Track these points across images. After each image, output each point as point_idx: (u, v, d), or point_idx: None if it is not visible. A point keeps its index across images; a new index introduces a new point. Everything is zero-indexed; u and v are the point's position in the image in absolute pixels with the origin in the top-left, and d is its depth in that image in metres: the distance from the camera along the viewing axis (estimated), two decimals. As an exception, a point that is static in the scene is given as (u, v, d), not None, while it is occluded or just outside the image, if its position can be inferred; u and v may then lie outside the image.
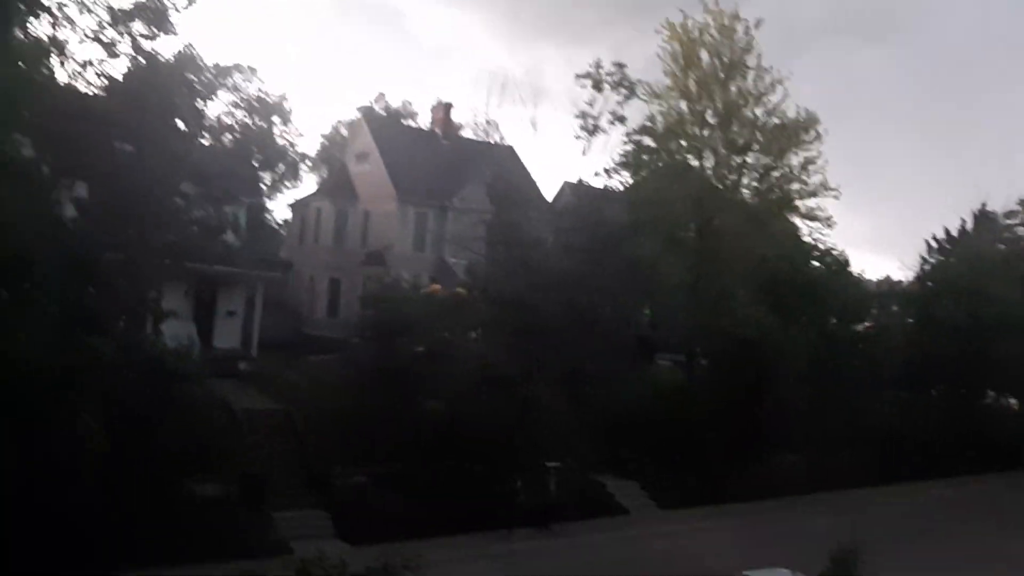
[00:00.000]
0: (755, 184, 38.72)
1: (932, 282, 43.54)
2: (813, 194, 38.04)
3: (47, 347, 17.79)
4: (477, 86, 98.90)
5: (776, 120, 37.50)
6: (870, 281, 44.73)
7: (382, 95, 58.85)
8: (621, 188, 37.30)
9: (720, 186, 38.12)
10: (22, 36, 20.61)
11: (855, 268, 40.08)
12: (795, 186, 38.37)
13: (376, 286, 33.44)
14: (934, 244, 47.33)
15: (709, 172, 38.15)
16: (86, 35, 21.01)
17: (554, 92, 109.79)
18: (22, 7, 19.98)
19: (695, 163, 38.38)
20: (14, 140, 20.39)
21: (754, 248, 35.01)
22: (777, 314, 31.80)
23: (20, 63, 19.94)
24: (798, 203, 38.55)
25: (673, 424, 30.17)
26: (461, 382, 26.34)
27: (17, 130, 20.43)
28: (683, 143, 38.15)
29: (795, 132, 37.55)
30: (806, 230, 38.84)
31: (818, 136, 37.58)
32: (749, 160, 38.27)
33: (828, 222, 38.50)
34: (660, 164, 38.05)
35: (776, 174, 38.46)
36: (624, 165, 37.30)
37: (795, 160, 37.94)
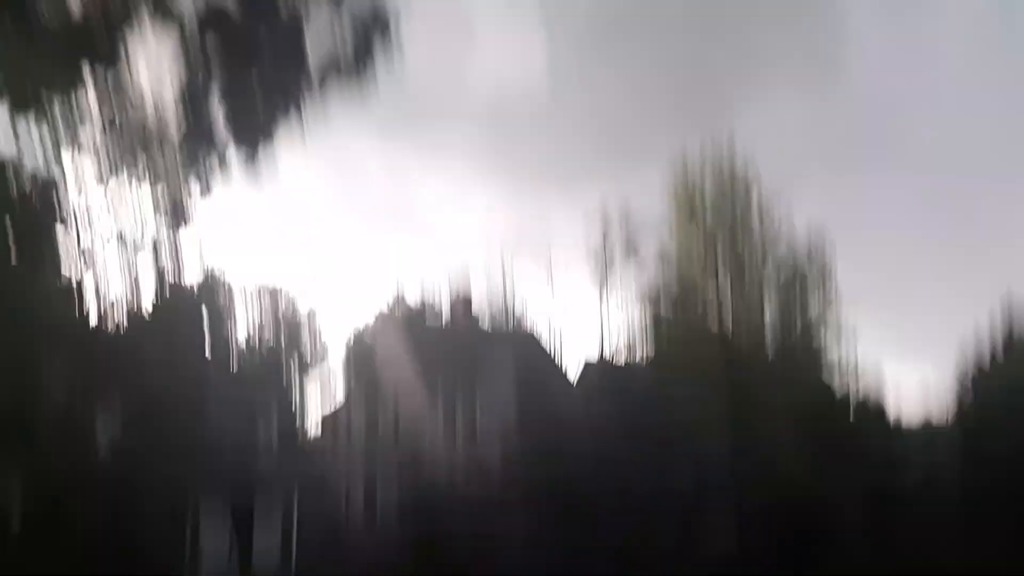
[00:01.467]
0: (779, 338, 38.70)
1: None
2: (836, 336, 37.80)
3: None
4: (489, 252, 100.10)
5: (787, 272, 37.80)
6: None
7: (401, 296, 60.39)
8: (644, 357, 37.48)
9: (743, 349, 38.08)
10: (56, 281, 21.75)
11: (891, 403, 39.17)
12: (819, 332, 38.23)
13: (412, 487, 33.26)
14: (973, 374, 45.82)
15: (729, 333, 38.30)
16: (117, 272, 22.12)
17: (567, 244, 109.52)
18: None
19: (715, 326, 38.61)
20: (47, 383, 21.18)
21: (790, 405, 34.64)
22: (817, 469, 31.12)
23: (52, 307, 21.02)
24: (824, 347, 38.29)
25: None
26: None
27: (53, 372, 21.24)
28: (700, 309, 38.53)
29: (806, 280, 37.76)
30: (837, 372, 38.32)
31: (829, 279, 37.74)
32: (767, 319, 38.47)
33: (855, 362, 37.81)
34: (679, 334, 38.21)
35: (798, 330, 38.51)
36: (643, 338, 37.65)
37: (814, 306, 37.98)
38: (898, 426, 39.83)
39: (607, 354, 38.69)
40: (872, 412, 37.94)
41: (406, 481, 37.13)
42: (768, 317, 38.25)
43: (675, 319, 38.36)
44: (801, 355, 38.17)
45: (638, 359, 37.29)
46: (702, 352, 36.04)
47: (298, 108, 6.16)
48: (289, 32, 6.06)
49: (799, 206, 37.43)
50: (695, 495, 36.43)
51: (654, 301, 37.78)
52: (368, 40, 6.12)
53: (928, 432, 43.68)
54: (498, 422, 34.82)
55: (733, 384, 36.64)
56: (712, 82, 64.53)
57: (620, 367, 37.36)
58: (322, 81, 6.15)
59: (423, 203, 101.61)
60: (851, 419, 37.06)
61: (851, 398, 37.06)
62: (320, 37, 6.16)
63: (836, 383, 37.66)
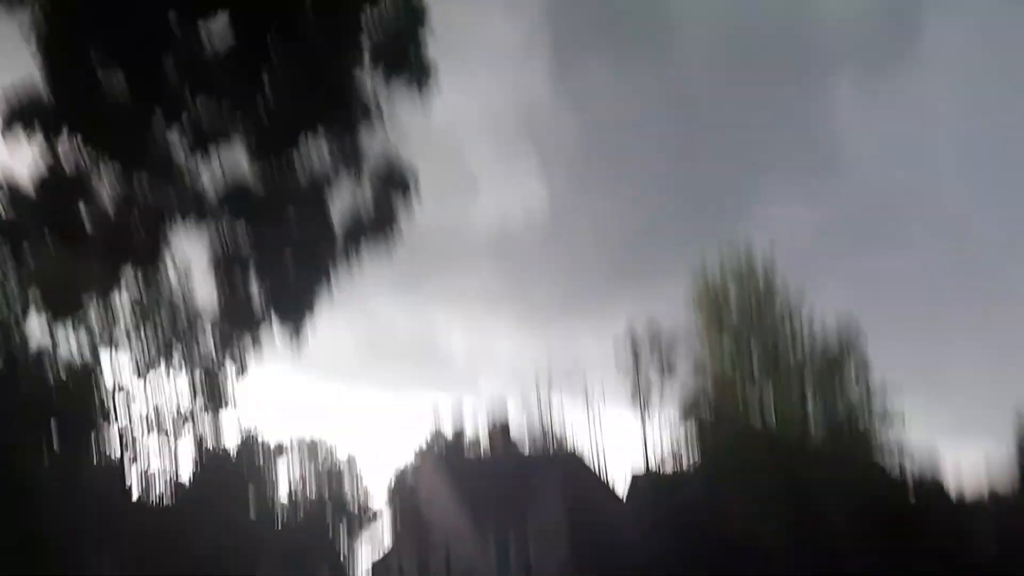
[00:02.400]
0: (824, 427, 38.07)
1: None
2: (883, 418, 37.12)
3: None
4: (521, 385, 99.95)
5: (821, 362, 37.54)
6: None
7: (438, 432, 60.09)
8: (690, 464, 36.93)
9: (790, 442, 37.41)
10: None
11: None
12: (864, 417, 37.61)
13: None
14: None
15: (774, 428, 37.73)
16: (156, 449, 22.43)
17: (598, 365, 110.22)
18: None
19: (758, 422, 38.08)
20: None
21: (844, 490, 33.74)
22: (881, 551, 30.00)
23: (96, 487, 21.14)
24: (872, 431, 37.56)
25: None
26: None
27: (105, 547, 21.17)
28: (739, 408, 38.11)
29: (841, 364, 37.40)
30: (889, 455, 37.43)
31: (866, 363, 37.39)
32: (809, 408, 37.92)
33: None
34: (720, 434, 37.72)
35: (840, 412, 37.93)
36: (688, 444, 37.21)
37: (854, 392, 37.50)
38: (961, 501, 38.52)
39: (653, 465, 38.10)
40: (932, 490, 36.79)
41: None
42: (810, 408, 37.74)
43: (717, 422, 37.90)
44: (849, 441, 37.40)
45: (685, 467, 36.68)
46: (748, 450, 35.43)
47: (328, 276, 6.33)
48: (314, 201, 6.29)
49: (824, 297, 37.53)
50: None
51: (694, 407, 37.47)
52: (390, 200, 6.34)
53: (995, 504, 42.30)
54: (551, 546, 34.02)
55: (784, 477, 35.86)
56: (715, 190, 65.78)
57: (668, 476, 36.71)
58: (348, 245, 6.36)
59: (449, 342, 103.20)
60: (911, 499, 35.91)
61: (908, 479, 36.02)
62: (343, 203, 6.40)
63: (889, 465, 36.70)
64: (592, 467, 44.71)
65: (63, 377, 17.95)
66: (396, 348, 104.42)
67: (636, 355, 37.20)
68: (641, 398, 36.88)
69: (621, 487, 44.15)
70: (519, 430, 47.62)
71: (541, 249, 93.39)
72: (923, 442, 38.91)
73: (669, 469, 36.85)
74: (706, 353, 37.56)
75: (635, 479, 44.24)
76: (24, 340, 17.07)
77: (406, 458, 67.46)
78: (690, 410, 36.95)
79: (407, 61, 6.11)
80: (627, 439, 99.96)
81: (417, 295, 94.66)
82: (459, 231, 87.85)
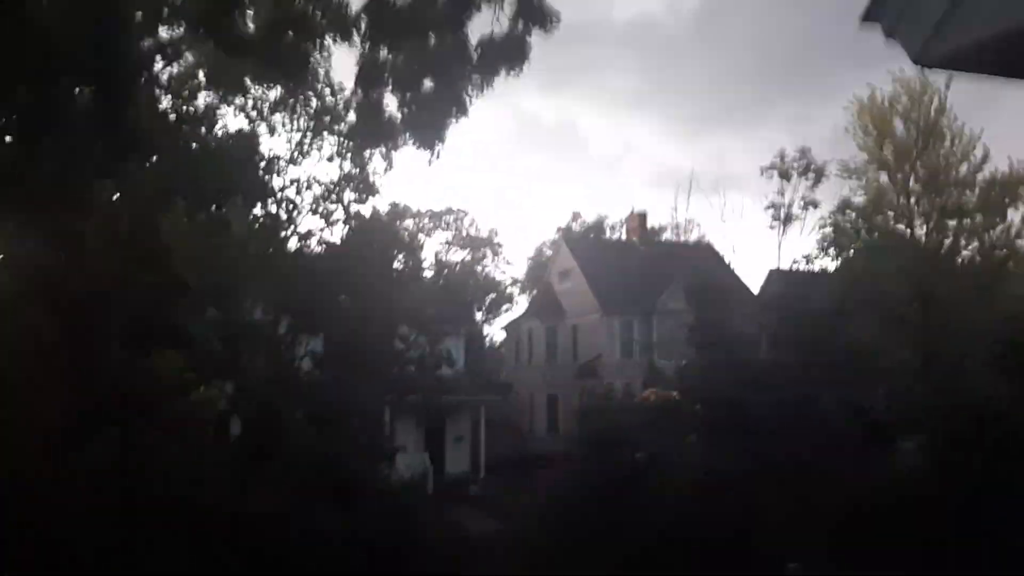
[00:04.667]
0: (975, 246, 36.82)
1: None
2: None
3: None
4: (661, 186, 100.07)
5: (986, 176, 35.77)
6: None
7: (577, 214, 61.17)
8: (828, 270, 36.63)
9: (937, 253, 36.46)
10: (259, 216, 23.89)
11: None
12: (1021, 242, 36.16)
13: (591, 398, 34.25)
14: None
15: (921, 240, 36.70)
16: (309, 209, 24.07)
17: (738, 177, 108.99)
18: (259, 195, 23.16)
19: (905, 233, 37.09)
20: (251, 305, 23.47)
21: (984, 314, 32.95)
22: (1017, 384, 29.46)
23: (258, 240, 23.14)
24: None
25: (910, 516, 28.30)
26: (683, 487, 26.26)
27: (257, 297, 23.49)
28: (889, 214, 37.10)
29: (1010, 186, 35.64)
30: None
31: None
32: (965, 222, 36.54)
33: None
34: (866, 239, 37.09)
35: (997, 232, 36.43)
36: (827, 246, 36.71)
37: (1016, 216, 35.92)
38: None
39: (789, 265, 37.94)
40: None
41: (585, 389, 38.21)
42: (964, 226, 36.28)
43: (862, 227, 37.10)
44: (1000, 266, 36.02)
45: (822, 268, 36.41)
46: (890, 259, 34.73)
47: (462, 95, 6.60)
48: (454, 26, 6.46)
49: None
50: (881, 412, 35.54)
51: (839, 210, 36.61)
52: (526, 31, 6.42)
53: None
54: (675, 332, 35.05)
55: (925, 292, 35.25)
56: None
57: (803, 274, 36.56)
58: (483, 67, 6.55)
59: (591, 139, 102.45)
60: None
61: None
62: (483, 20, 6.55)
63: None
64: (725, 261, 44.94)
65: (227, 143, 19.31)
66: (540, 141, 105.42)
67: (784, 170, 36.02)
68: (785, 208, 36.08)
69: (754, 286, 44.54)
70: (657, 222, 47.95)
71: (690, 52, 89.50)
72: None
73: (805, 269, 36.64)
74: (863, 162, 36.31)
75: (770, 273, 44.38)
76: (195, 113, 18.33)
77: (546, 236, 69.28)
78: (834, 216, 36.22)
79: None
80: (764, 246, 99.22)
81: (561, 98, 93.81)
82: (604, 29, 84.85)
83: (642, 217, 47.46)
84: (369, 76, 6.65)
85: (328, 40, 6.73)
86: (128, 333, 13.81)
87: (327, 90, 21.59)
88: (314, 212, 23.86)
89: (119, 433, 14.76)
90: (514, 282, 61.52)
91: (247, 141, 20.08)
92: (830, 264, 36.78)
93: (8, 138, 12.60)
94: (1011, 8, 3.10)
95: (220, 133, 19.89)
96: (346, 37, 6.62)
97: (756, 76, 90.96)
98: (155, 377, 16.68)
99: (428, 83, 6.69)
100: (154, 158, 15.79)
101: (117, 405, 14.26)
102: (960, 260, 36.48)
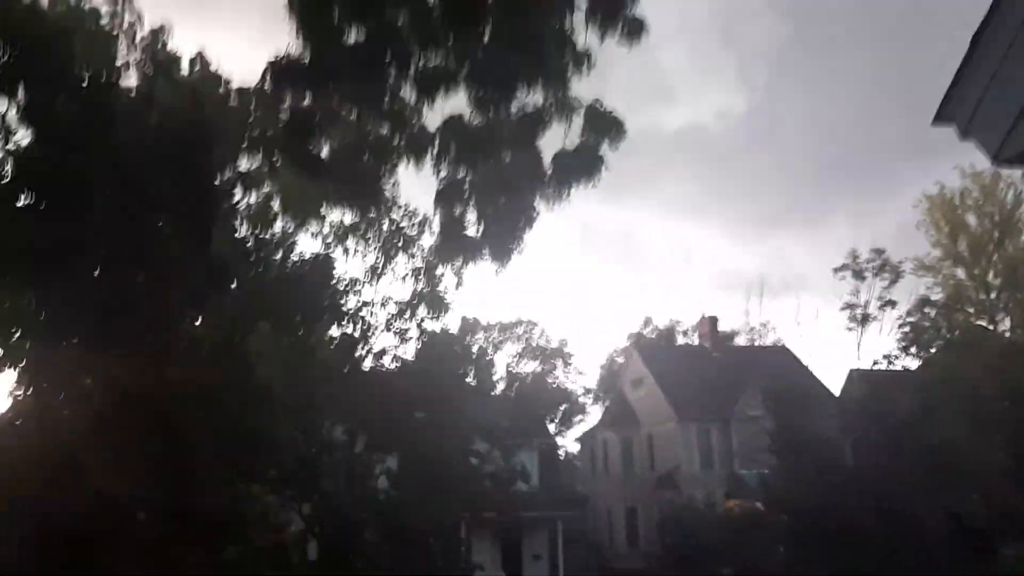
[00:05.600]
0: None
1: None
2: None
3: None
4: (730, 288, 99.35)
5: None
6: None
7: (648, 319, 60.89)
8: (911, 368, 35.64)
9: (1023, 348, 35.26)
10: (335, 335, 24.43)
11: None
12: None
13: (671, 510, 33.37)
14: None
15: (1006, 335, 35.61)
16: (384, 327, 24.56)
17: (806, 277, 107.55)
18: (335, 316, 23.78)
19: (988, 328, 36.10)
20: (329, 425, 23.75)
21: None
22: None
23: (335, 360, 23.59)
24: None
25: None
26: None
27: (334, 416, 23.78)
28: (969, 310, 36.28)
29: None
30: None
31: None
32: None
33: None
34: (948, 336, 36.13)
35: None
36: (908, 345, 35.81)
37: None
38: None
39: (870, 364, 37.04)
40: None
41: (663, 503, 37.25)
42: None
43: (943, 324, 36.22)
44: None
45: (904, 368, 35.44)
46: (974, 356, 33.67)
47: (534, 208, 6.85)
48: (526, 142, 6.74)
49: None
50: (977, 517, 33.80)
51: (918, 308, 35.88)
52: (597, 144, 6.68)
53: None
54: (755, 438, 34.20)
55: (1011, 388, 33.93)
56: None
57: (885, 373, 35.55)
58: (557, 181, 6.79)
59: (654, 246, 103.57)
60: None
61: None
62: (554, 141, 6.85)
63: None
64: (803, 363, 44.03)
65: (304, 268, 20.07)
66: (604, 249, 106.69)
67: (858, 271, 35.70)
68: (861, 309, 35.55)
69: (834, 387, 43.39)
70: (729, 325, 47.56)
71: (742, 155, 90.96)
72: None
73: (887, 369, 35.66)
74: (937, 258, 35.87)
75: (851, 373, 43.21)
76: (273, 239, 19.16)
77: (617, 344, 69.12)
78: (915, 313, 35.50)
79: (622, 15, 6.34)
80: (841, 346, 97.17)
81: (622, 203, 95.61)
82: (656, 139, 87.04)
83: (713, 321, 47.06)
84: (449, 195, 6.94)
85: (404, 162, 7.07)
86: (215, 446, 14.17)
87: (399, 212, 22.40)
88: (388, 329, 24.30)
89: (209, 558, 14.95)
90: (586, 392, 61.13)
91: (323, 266, 20.85)
92: (912, 363, 35.69)
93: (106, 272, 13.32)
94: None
95: (297, 258, 20.72)
96: (421, 158, 6.94)
97: (811, 175, 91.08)
98: (244, 506, 17.05)
99: (503, 198, 6.94)
100: (234, 284, 16.44)
101: (210, 532, 14.55)
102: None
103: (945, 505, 30.87)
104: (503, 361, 54.00)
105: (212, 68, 16.07)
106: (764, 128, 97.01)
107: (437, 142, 6.75)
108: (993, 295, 35.91)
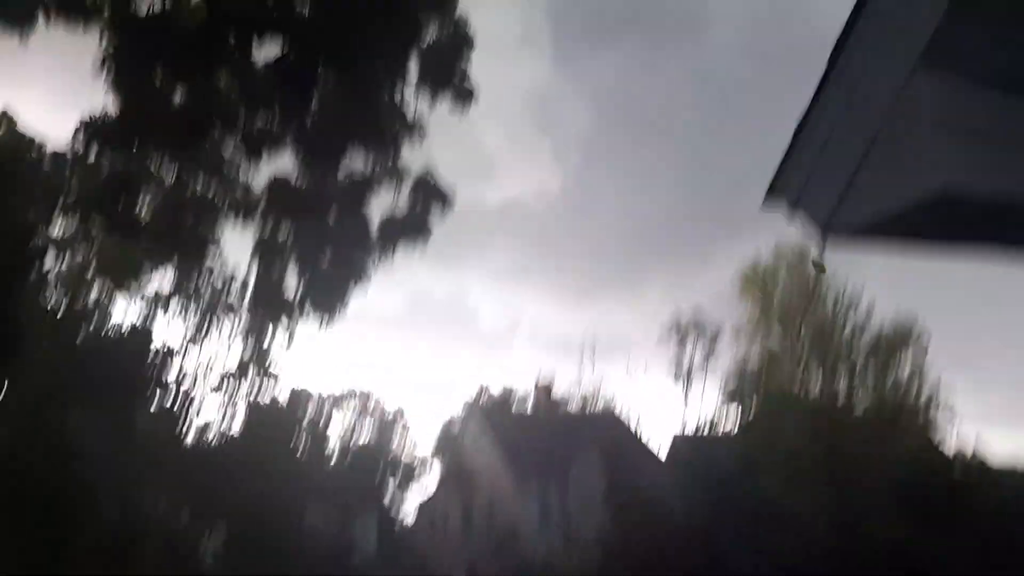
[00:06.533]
0: (871, 399, 38.20)
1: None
2: (929, 402, 37.19)
3: None
4: (563, 353, 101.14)
5: (870, 336, 37.60)
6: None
7: (484, 387, 61.01)
8: (731, 429, 37.41)
9: (831, 409, 37.63)
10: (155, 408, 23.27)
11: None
12: (911, 396, 37.68)
13: (511, 570, 33.32)
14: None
15: (816, 397, 37.96)
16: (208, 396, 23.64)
17: (632, 339, 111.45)
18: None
19: (799, 392, 38.35)
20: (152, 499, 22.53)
21: (885, 463, 33.86)
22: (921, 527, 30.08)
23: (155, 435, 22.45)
24: (919, 409, 37.63)
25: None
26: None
27: (156, 490, 22.55)
28: (782, 375, 38.43)
29: (894, 344, 37.50)
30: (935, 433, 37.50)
31: (920, 342, 37.37)
32: (855, 379, 38.04)
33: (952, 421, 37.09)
34: (764, 399, 38.13)
35: (888, 385, 37.97)
36: (726, 409, 37.68)
37: (905, 370, 37.59)
38: (1006, 482, 38.17)
39: (693, 429, 38.71)
40: (977, 467, 36.55)
41: (503, 564, 37.21)
42: (857, 388, 37.92)
43: (759, 390, 38.28)
44: (894, 416, 37.46)
45: (724, 431, 37.19)
46: (790, 419, 35.73)
47: (361, 271, 6.88)
48: (354, 204, 6.82)
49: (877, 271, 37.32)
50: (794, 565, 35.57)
51: (737, 378, 37.86)
52: (426, 209, 6.86)
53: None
54: (589, 501, 34.88)
55: (825, 447, 36.11)
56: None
57: (707, 439, 37.20)
58: (384, 244, 6.89)
59: (487, 311, 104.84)
60: (953, 477, 35.78)
61: (952, 459, 35.89)
62: (382, 206, 6.96)
63: (934, 446, 36.72)
64: (632, 429, 45.38)
65: (120, 337, 19.16)
66: (437, 313, 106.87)
67: (680, 336, 37.52)
68: (685, 372, 37.27)
69: (660, 450, 44.88)
70: (561, 391, 48.46)
71: (566, 230, 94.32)
72: (973, 425, 39.05)
73: (708, 434, 37.33)
74: (752, 332, 37.95)
75: (675, 440, 44.82)
76: (86, 307, 18.25)
77: (452, 412, 68.75)
78: (733, 380, 37.39)
79: (452, 83, 6.59)
80: (667, 407, 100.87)
81: (455, 273, 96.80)
82: (478, 210, 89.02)
83: (547, 389, 47.85)
84: (267, 252, 6.88)
85: (228, 221, 6.98)
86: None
87: (224, 271, 21.69)
88: (212, 399, 23.44)
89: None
90: (424, 460, 60.25)
91: (139, 335, 19.90)
92: (732, 426, 37.55)
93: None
94: (897, 190, 3.48)
95: (112, 326, 19.70)
96: (247, 217, 6.88)
97: (628, 245, 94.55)
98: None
99: (328, 257, 6.95)
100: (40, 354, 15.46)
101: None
102: (857, 413, 37.68)
103: (767, 551, 32.38)
104: (336, 430, 52.58)
105: (19, 128, 14.85)
106: (579, 205, 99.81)
107: (263, 202, 6.72)
108: (804, 360, 38.25)
